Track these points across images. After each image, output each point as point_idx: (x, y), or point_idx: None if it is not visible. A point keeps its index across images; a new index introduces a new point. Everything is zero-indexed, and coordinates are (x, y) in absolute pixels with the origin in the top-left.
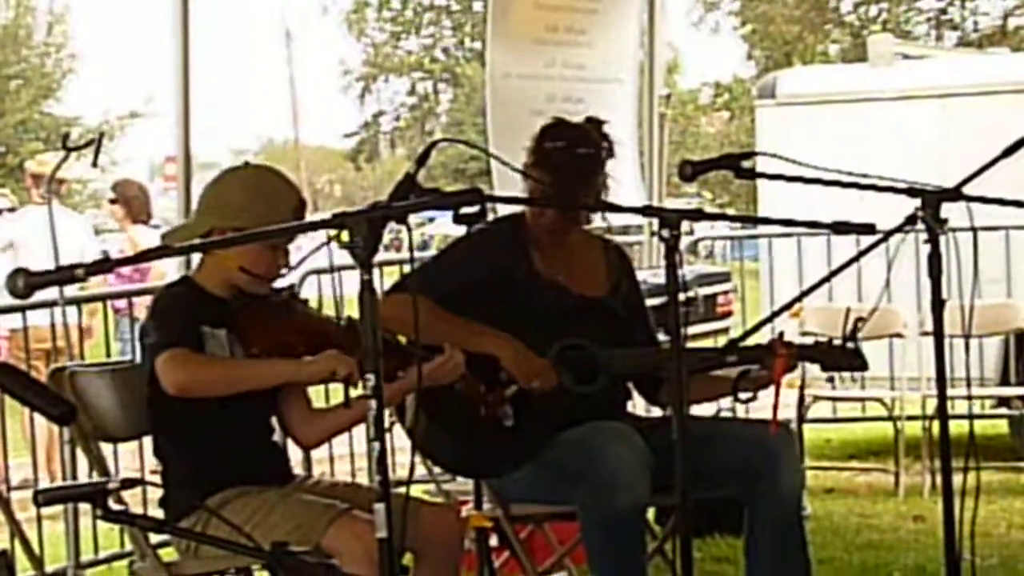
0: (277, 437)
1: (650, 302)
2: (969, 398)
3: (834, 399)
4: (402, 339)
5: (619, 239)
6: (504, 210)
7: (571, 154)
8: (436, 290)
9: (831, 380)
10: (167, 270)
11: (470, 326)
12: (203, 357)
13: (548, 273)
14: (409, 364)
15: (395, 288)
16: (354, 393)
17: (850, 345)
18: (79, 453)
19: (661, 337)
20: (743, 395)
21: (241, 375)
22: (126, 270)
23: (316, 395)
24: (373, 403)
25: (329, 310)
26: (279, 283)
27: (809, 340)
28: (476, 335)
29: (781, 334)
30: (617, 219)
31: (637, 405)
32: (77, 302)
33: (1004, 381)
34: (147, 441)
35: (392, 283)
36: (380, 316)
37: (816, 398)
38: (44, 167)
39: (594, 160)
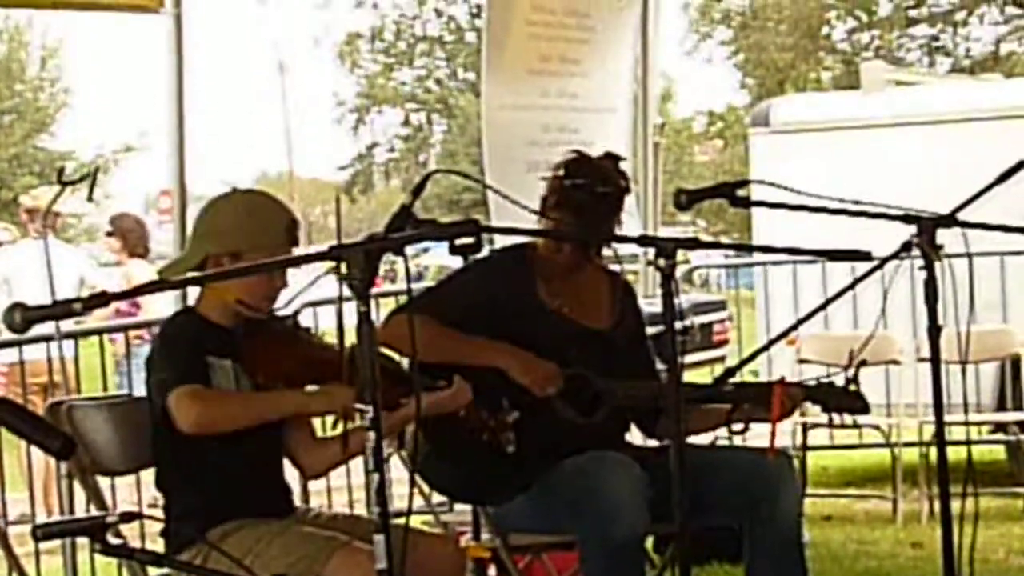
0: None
1: (647, 331)
2: (966, 424)
3: (831, 426)
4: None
5: (615, 267)
6: (502, 240)
7: (593, 193)
8: (440, 314)
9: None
10: (159, 308)
11: (475, 341)
12: (214, 393)
13: (552, 303)
14: (411, 392)
15: (400, 310)
16: (353, 425)
17: (852, 388)
18: (76, 487)
19: (659, 367)
20: (736, 426)
21: (252, 409)
22: (122, 306)
23: (319, 424)
24: (372, 434)
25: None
26: (282, 312)
27: (812, 381)
28: (481, 349)
29: (782, 378)
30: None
31: (635, 436)
32: (74, 336)
33: (1001, 407)
34: (145, 475)
35: (396, 307)
36: (386, 336)
37: (813, 425)
38: (39, 201)
39: (615, 199)
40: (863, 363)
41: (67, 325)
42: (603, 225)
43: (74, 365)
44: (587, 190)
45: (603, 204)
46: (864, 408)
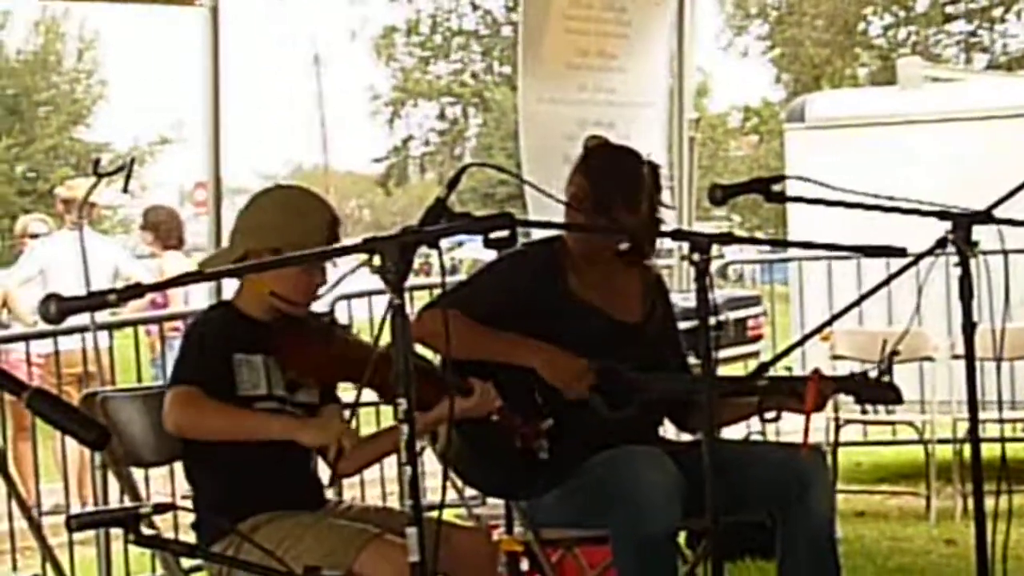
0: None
1: (681, 325)
2: (1001, 421)
3: (864, 422)
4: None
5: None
6: (537, 234)
7: (611, 157)
8: (471, 310)
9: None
10: (184, 300)
11: (505, 338)
12: (206, 403)
13: (583, 296)
14: (444, 393)
15: (430, 305)
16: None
17: (886, 379)
18: (110, 478)
19: (692, 361)
20: (768, 415)
21: (237, 428)
22: (157, 298)
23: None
24: (405, 428)
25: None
26: (317, 307)
27: (845, 372)
28: (511, 347)
29: (817, 370)
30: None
31: (668, 430)
32: (109, 327)
33: None
34: (178, 466)
35: (427, 302)
36: (416, 331)
37: (847, 421)
38: (74, 192)
39: (635, 171)
40: (895, 354)
41: (102, 316)
42: (619, 195)
43: (109, 356)
44: (607, 155)
45: (621, 169)
46: (898, 399)
